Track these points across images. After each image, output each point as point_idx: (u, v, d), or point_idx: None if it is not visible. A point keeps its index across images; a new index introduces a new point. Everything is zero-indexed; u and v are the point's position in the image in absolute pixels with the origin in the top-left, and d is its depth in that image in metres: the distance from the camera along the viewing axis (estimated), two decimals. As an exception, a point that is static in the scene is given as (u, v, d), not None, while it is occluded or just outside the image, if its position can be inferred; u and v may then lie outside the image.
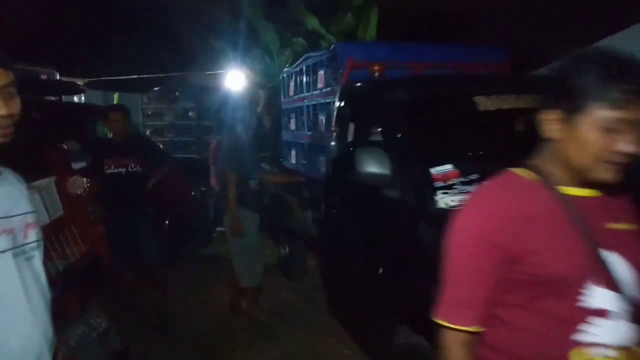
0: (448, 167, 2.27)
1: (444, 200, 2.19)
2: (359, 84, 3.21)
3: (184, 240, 4.94)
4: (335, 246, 3.29)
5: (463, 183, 2.22)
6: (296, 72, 4.92)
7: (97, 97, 12.29)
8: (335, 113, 3.44)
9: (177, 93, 8.44)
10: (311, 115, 4.46)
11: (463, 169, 2.25)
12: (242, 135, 4.12)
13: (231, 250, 4.06)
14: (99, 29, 12.44)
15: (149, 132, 8.58)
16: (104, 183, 3.85)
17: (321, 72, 4.08)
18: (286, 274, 4.99)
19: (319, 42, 15.42)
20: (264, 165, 5.96)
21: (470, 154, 2.41)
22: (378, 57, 3.39)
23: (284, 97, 5.62)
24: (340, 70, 3.58)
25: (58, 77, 6.18)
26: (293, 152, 5.19)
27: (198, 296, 4.61)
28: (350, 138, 3.12)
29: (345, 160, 3.14)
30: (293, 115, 5.15)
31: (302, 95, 4.68)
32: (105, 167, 3.80)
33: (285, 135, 5.53)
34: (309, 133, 4.55)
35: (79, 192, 3.31)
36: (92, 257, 2.92)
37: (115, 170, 3.81)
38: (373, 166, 2.37)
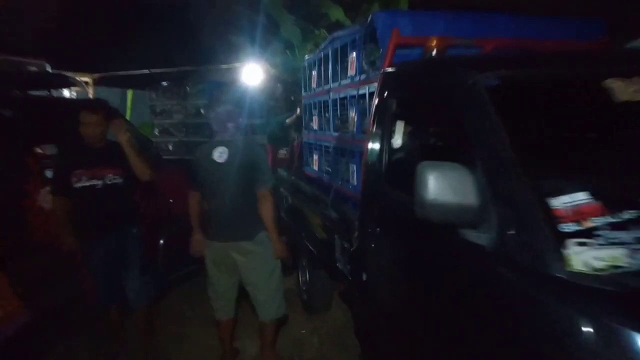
0: (581, 196, 1.33)
1: (580, 257, 1.25)
2: (411, 66, 2.29)
3: (184, 262, 4.09)
4: (372, 291, 2.37)
5: (612, 226, 1.28)
6: (319, 60, 4.01)
7: (112, 95, 11.65)
8: (373, 107, 2.52)
9: (187, 88, 7.64)
10: (339, 112, 3.55)
11: (608, 200, 1.31)
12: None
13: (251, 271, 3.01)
14: (108, 21, 11.81)
15: (157, 132, 7.81)
16: (73, 199, 3.02)
17: (352, 56, 3.16)
18: (306, 307, 4.08)
19: (344, 34, 14.53)
20: (282, 172, 5.09)
21: (609, 171, 1.45)
22: (432, 32, 2.45)
23: (304, 91, 4.72)
24: (381, 50, 2.66)
25: (50, 70, 5.41)
26: (315, 157, 4.29)
27: (197, 337, 3.75)
28: (396, 142, 2.19)
29: (391, 175, 2.21)
30: (315, 111, 4.24)
31: (327, 87, 3.78)
32: (74, 180, 2.96)
33: (307, 136, 4.63)
34: (336, 134, 3.64)
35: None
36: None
37: (88, 184, 2.97)
38: (444, 191, 1.44)
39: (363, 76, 2.98)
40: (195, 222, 3.00)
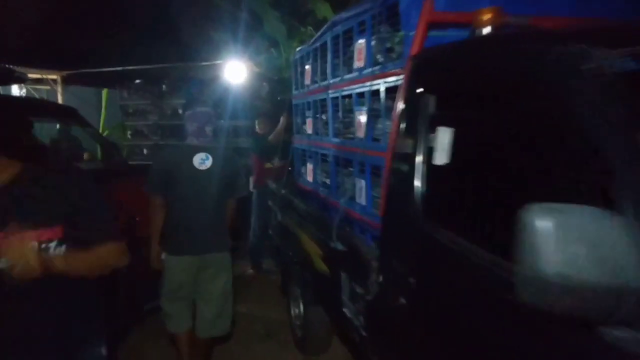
0: None
1: None
2: (466, 47, 1.64)
3: (146, 297, 3.37)
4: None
5: None
6: (315, 51, 3.35)
7: (87, 94, 10.80)
8: (397, 107, 1.86)
9: (163, 87, 6.91)
10: (340, 113, 2.89)
11: None
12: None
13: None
14: (79, 14, 10.95)
15: (130, 135, 7.05)
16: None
17: (359, 43, 2.50)
18: (300, 345, 3.41)
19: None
20: (271, 184, 4.42)
21: None
22: (474, 6, 1.81)
23: (295, 89, 4.06)
24: (403, 32, 2.01)
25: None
26: (309, 166, 3.62)
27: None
28: (441, 157, 1.53)
29: (434, 207, 1.55)
30: (309, 113, 3.58)
31: (325, 83, 3.12)
32: None
33: (298, 141, 3.96)
34: (337, 140, 2.98)
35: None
36: None
37: None
38: (581, 260, 0.79)
39: (376, 68, 2.33)
40: (157, 232, 2.80)
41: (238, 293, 3.28)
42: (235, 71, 7.86)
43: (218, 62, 8.92)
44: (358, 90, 2.55)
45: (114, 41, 10.18)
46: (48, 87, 9.90)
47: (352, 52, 2.64)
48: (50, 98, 10.32)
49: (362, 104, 2.53)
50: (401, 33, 2.05)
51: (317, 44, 3.26)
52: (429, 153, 1.56)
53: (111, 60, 9.69)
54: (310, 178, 3.61)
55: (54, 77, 9.57)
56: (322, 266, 2.69)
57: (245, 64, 8.28)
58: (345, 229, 2.53)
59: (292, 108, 4.20)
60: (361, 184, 2.55)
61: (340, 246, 2.39)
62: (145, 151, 7.09)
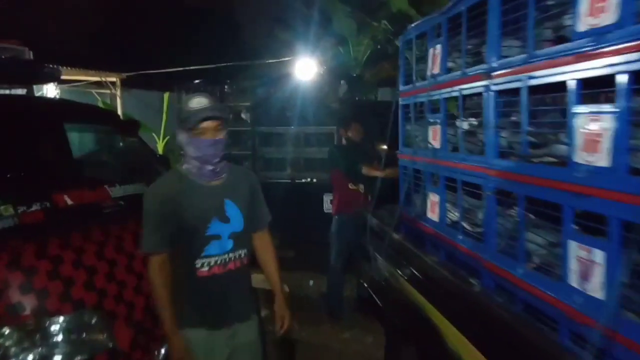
0: None
1: None
2: None
3: None
4: None
5: None
6: (453, 22, 2.17)
7: (151, 98, 10.22)
8: None
9: (225, 87, 5.99)
10: (524, 117, 1.67)
11: None
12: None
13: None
14: (144, 17, 10.42)
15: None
16: None
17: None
18: None
19: (406, 25, 12.58)
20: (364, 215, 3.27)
21: None
22: None
23: (404, 84, 2.88)
24: None
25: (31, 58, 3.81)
26: (432, 198, 2.42)
27: None
28: None
29: None
30: (436, 117, 2.38)
31: (480, 68, 1.92)
32: None
33: (409, 157, 2.78)
34: (506, 164, 1.76)
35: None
36: None
37: None
38: None
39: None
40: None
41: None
42: (305, 69, 6.83)
43: (286, 58, 7.97)
44: (590, 74, 1.32)
45: (180, 44, 9.44)
46: (109, 91, 9.44)
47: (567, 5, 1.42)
48: (113, 102, 9.84)
49: (600, 101, 1.30)
50: None
51: (463, 8, 2.06)
52: None
53: (171, 60, 9.06)
54: (433, 215, 2.41)
55: (113, 79, 9.05)
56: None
57: (316, 60, 7.25)
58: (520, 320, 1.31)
59: (395, 111, 3.03)
60: (584, 251, 1.32)
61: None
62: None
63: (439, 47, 2.31)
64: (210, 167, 1.69)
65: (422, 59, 2.61)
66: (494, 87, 1.80)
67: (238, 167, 1.90)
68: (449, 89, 2.20)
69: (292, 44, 12.95)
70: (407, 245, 2.42)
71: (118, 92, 8.96)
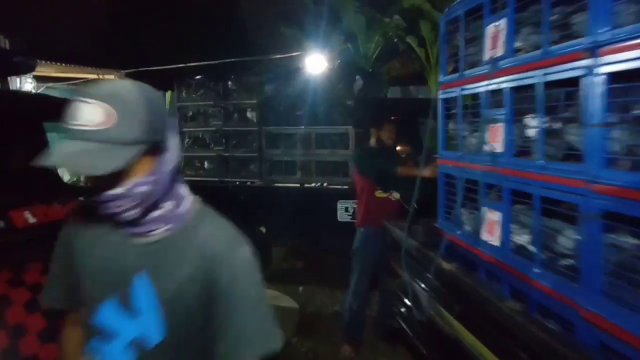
0: None
1: None
2: None
3: None
4: None
5: None
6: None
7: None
8: None
9: (229, 83, 5.51)
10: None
11: None
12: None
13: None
14: (132, 10, 9.94)
15: (187, 143, 5.71)
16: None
17: None
18: None
19: (419, 21, 12.04)
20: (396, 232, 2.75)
21: None
22: None
23: (444, 74, 2.37)
24: None
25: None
26: (491, 215, 1.90)
27: None
28: None
29: None
30: (495, 114, 1.87)
31: (560, 48, 1.41)
32: None
33: (453, 163, 2.26)
34: (622, 177, 1.25)
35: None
36: None
37: None
38: None
39: None
40: None
41: None
42: (316, 64, 6.31)
43: (295, 53, 7.47)
44: None
45: (176, 37, 8.96)
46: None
47: None
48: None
49: None
50: None
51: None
52: None
53: (172, 57, 8.58)
54: (491, 238, 1.89)
55: (111, 77, 8.59)
56: None
57: (328, 55, 6.73)
58: None
59: (431, 107, 2.51)
60: None
61: None
62: (206, 165, 5.69)
63: (502, 22, 1.79)
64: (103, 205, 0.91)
65: (473, 41, 2.10)
66: (602, 69, 1.29)
67: (212, 224, 1.04)
68: (519, 75, 1.68)
69: (299, 42, 12.47)
70: (462, 278, 1.90)
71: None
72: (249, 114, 5.47)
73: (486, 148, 1.93)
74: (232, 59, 6.67)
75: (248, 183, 5.41)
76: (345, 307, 3.45)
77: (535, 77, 1.59)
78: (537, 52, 1.59)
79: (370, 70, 6.82)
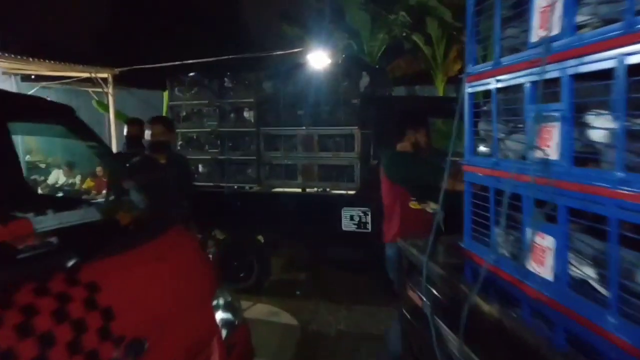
0: None
1: None
2: None
3: None
4: None
5: None
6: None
7: (152, 98, 9.38)
8: None
9: (225, 81, 5.11)
10: None
11: None
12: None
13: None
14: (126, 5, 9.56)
15: (180, 145, 5.32)
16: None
17: None
18: None
19: (426, 18, 11.60)
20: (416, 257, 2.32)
21: None
22: None
23: (472, 64, 1.96)
24: None
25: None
26: (541, 242, 1.48)
27: None
28: None
29: None
30: (553, 110, 1.46)
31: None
32: None
33: (482, 168, 1.85)
34: None
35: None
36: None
37: None
38: None
39: None
40: None
41: None
42: (319, 60, 5.91)
43: (296, 50, 7.07)
44: None
45: (173, 35, 8.60)
46: (101, 89, 8.60)
47: None
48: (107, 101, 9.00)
49: None
50: None
51: None
52: None
53: (168, 55, 8.20)
54: (541, 269, 1.48)
55: (104, 75, 8.19)
56: None
57: (330, 51, 6.34)
58: None
59: (454, 105, 2.10)
60: None
61: None
62: (200, 168, 5.30)
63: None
64: None
65: (512, 20, 1.70)
66: None
67: None
68: (587, 58, 1.27)
69: (301, 39, 12.07)
70: (508, 324, 1.49)
71: (110, 90, 8.11)
72: (246, 114, 5.08)
73: (533, 154, 1.52)
74: (229, 56, 6.28)
75: (246, 188, 5.01)
76: (390, 337, 2.91)
77: (611, 60, 1.18)
78: (615, 26, 1.18)
79: (378, 66, 6.40)
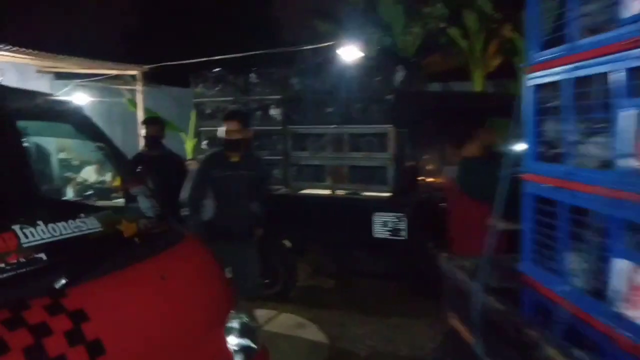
0: None
1: None
2: None
3: None
4: None
5: None
6: None
7: (184, 95, 9.26)
8: None
9: (251, 76, 4.86)
10: None
11: None
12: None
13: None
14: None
15: (205, 144, 5.10)
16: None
17: None
18: None
19: (462, 11, 11.05)
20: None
21: None
22: None
23: (541, 48, 1.61)
24: None
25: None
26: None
27: None
28: None
29: None
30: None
31: None
32: None
33: (549, 179, 1.49)
34: None
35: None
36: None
37: None
38: None
39: None
40: None
41: None
42: (350, 54, 5.59)
43: (325, 44, 6.78)
44: None
45: (201, 31, 8.45)
46: (133, 87, 8.55)
47: None
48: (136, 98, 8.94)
49: None
50: None
51: None
52: None
53: (198, 52, 8.05)
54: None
55: (133, 73, 8.12)
56: None
57: (362, 45, 6.01)
58: None
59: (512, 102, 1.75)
60: None
61: None
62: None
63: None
64: None
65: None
66: None
67: None
68: None
69: (331, 34, 11.75)
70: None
71: (138, 87, 8.02)
72: (273, 112, 4.80)
73: (625, 162, 1.17)
74: (257, 52, 6.04)
75: (272, 190, 4.76)
76: None
77: None
78: None
79: (413, 60, 6.02)
